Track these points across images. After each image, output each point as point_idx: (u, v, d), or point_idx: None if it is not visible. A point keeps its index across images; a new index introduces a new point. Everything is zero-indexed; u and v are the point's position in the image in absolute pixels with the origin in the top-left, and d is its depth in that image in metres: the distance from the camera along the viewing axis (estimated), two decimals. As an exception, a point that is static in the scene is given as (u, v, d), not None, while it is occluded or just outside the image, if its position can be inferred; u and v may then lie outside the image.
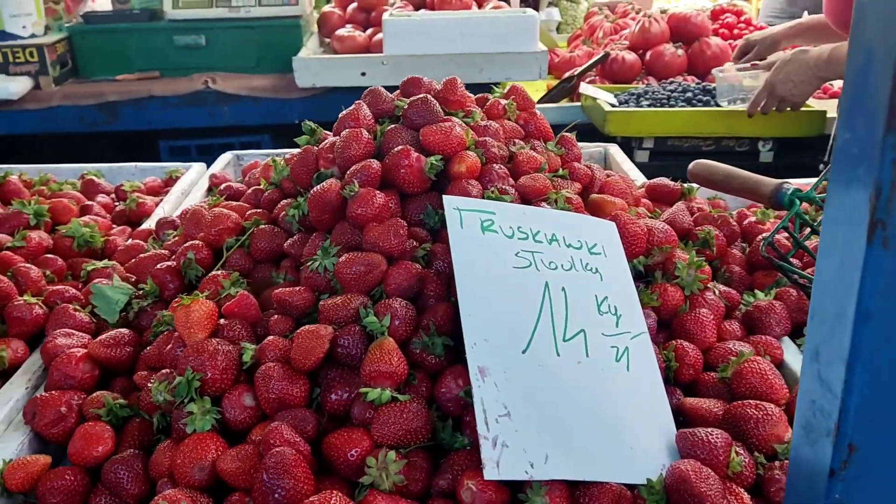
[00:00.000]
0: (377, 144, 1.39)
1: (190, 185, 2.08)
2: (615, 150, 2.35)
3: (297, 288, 1.25)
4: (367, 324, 1.13)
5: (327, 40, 4.00)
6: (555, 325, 1.13)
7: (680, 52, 3.57)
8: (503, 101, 1.59)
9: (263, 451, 1.02)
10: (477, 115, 1.49)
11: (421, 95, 1.42)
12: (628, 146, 3.17)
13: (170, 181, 2.15)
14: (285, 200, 1.47)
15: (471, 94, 1.60)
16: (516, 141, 1.51)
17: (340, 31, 3.84)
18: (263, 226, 1.43)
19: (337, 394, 1.12)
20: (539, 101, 3.64)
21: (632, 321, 1.20)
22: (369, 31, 3.88)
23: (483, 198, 1.29)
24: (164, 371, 1.18)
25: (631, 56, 3.61)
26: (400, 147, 1.32)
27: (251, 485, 1.02)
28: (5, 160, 2.47)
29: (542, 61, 3.50)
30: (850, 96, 0.71)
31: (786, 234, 1.57)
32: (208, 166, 2.28)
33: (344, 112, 1.44)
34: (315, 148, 1.45)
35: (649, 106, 3.16)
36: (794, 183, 1.62)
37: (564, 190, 1.35)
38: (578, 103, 3.45)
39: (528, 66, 3.50)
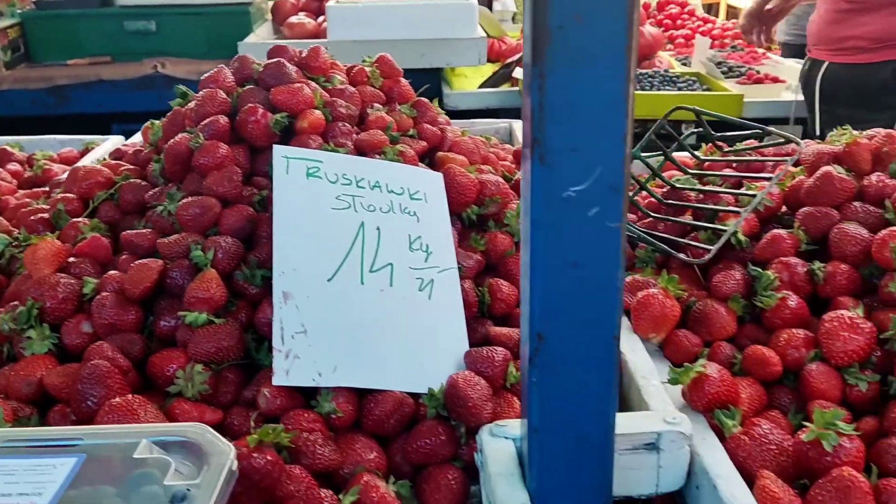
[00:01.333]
0: (233, 104, 1.50)
1: (103, 155, 2.19)
2: (518, 126, 2.48)
3: (144, 230, 1.37)
4: (193, 257, 1.25)
5: (281, 28, 4.11)
6: (364, 258, 1.25)
7: (614, 38, 3.67)
8: (367, 69, 1.71)
9: (83, 365, 1.14)
10: (337, 80, 1.61)
11: (275, 59, 1.53)
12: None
13: (85, 152, 2.27)
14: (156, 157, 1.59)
15: (341, 64, 1.73)
16: (375, 104, 1.63)
17: (291, 19, 3.96)
18: (132, 180, 1.54)
19: (165, 320, 1.24)
20: (480, 86, 3.76)
21: (441, 258, 1.31)
22: (320, 18, 4.00)
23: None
24: (12, 303, 1.29)
25: (567, 42, 3.72)
26: (249, 105, 1.44)
27: (74, 397, 1.14)
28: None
29: (481, 47, 3.61)
30: (525, 31, 0.83)
31: None
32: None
33: (205, 75, 1.56)
34: (183, 109, 1.56)
35: (576, 89, 3.26)
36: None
37: (400, 145, 1.47)
38: (517, 88, 3.56)
39: (467, 52, 3.61)
